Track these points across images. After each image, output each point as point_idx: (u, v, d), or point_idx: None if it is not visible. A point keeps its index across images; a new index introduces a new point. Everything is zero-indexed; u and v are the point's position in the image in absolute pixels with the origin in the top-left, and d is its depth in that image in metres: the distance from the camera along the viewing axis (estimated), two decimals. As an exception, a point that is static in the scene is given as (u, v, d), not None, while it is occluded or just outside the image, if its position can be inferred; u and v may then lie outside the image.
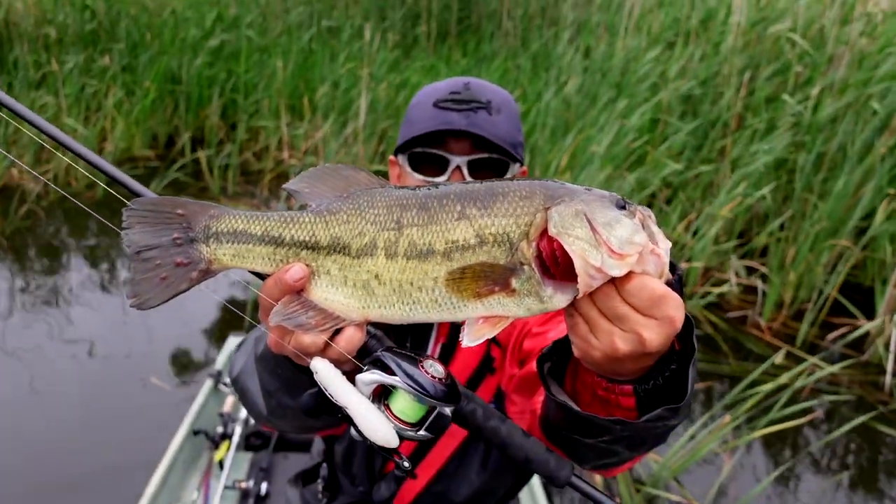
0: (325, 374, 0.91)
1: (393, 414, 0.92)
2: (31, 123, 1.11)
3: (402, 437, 0.92)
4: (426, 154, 1.53)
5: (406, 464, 0.99)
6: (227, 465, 2.81)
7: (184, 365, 4.77)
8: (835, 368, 4.10)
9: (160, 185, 7.29)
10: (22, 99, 7.41)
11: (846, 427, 3.77)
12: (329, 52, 9.32)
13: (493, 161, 1.54)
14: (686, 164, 6.20)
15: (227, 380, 3.35)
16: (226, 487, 2.73)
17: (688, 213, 5.95)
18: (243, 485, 2.78)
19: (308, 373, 0.97)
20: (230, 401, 3.16)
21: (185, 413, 3.29)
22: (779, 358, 3.53)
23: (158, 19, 9.21)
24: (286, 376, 1.09)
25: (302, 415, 1.04)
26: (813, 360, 4.18)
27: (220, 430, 3.01)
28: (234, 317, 5.34)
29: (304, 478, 1.87)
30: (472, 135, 1.50)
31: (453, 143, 1.52)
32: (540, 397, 1.28)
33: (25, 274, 5.78)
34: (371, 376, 0.92)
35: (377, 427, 0.90)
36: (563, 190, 0.87)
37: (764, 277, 5.68)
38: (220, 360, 3.70)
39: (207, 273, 0.94)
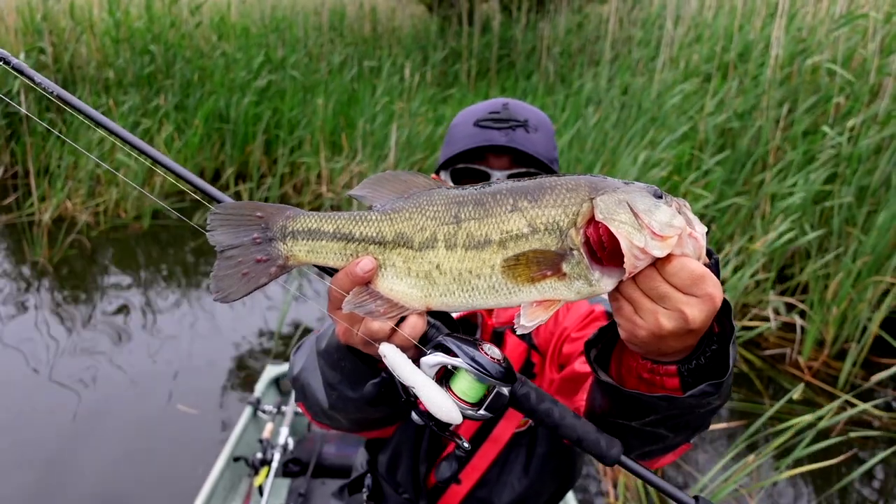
0: (393, 357, 0.98)
1: (455, 394, 0.98)
2: (130, 144, 1.20)
3: (463, 416, 0.98)
4: (468, 170, 1.63)
5: (466, 444, 1.06)
6: (266, 490, 2.84)
7: (218, 393, 4.83)
8: (867, 406, 3.86)
9: (202, 216, 7.54)
10: (81, 136, 7.85)
11: (868, 465, 3.53)
12: (370, 90, 9.59)
13: (531, 175, 1.62)
14: (718, 196, 6.05)
15: (267, 407, 3.48)
16: None
17: (724, 247, 5.80)
18: None
19: (369, 364, 1.08)
20: (269, 427, 3.22)
21: (219, 440, 3.34)
22: (797, 394, 3.37)
23: (210, 62, 9.67)
24: (349, 369, 1.18)
25: (363, 405, 1.13)
26: (846, 396, 3.95)
27: (259, 456, 3.05)
28: (264, 346, 5.43)
29: (350, 488, 1.91)
30: (512, 150, 1.59)
31: (494, 159, 1.62)
32: (582, 395, 1.33)
33: (68, 301, 6.03)
34: (435, 358, 0.98)
35: (442, 405, 0.95)
36: (604, 182, 0.94)
37: (804, 315, 5.44)
38: (259, 388, 3.76)
39: (285, 268, 1.03)
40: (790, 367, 5.19)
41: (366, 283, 1.00)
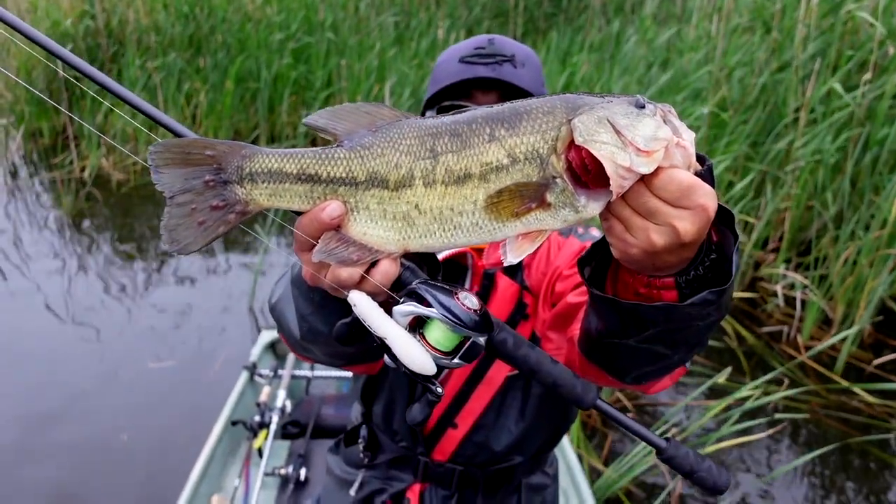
0: (364, 306, 0.93)
1: (428, 343, 0.94)
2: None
3: (437, 365, 0.94)
4: (454, 107, 1.56)
5: (439, 389, 1.01)
6: (265, 452, 2.88)
7: (216, 353, 4.93)
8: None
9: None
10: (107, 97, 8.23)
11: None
12: (406, 50, 9.49)
13: None
14: (734, 160, 5.59)
15: (263, 371, 3.48)
16: (266, 474, 2.81)
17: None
18: (283, 471, 2.88)
19: (340, 300, 1.01)
20: (266, 391, 3.24)
21: (215, 401, 3.46)
22: (722, 378, 3.11)
23: (251, 23, 9.84)
24: (318, 301, 1.13)
25: (334, 341, 1.08)
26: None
27: (257, 419, 3.07)
28: (263, 313, 5.54)
29: (346, 441, 1.92)
30: (499, 84, 1.54)
31: (480, 95, 1.57)
32: (575, 326, 1.32)
33: (86, 253, 6.42)
34: (408, 308, 0.93)
35: (416, 357, 0.92)
36: (581, 100, 0.88)
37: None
38: (255, 353, 3.78)
39: (244, 214, 0.95)
40: (787, 347, 4.79)
41: (334, 228, 0.93)
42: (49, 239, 6.65)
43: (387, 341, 0.93)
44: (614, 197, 0.84)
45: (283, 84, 9.10)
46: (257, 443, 2.97)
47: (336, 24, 10.21)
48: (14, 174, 8.45)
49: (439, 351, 0.94)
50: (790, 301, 5.06)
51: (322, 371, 3.58)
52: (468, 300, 0.94)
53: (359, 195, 0.91)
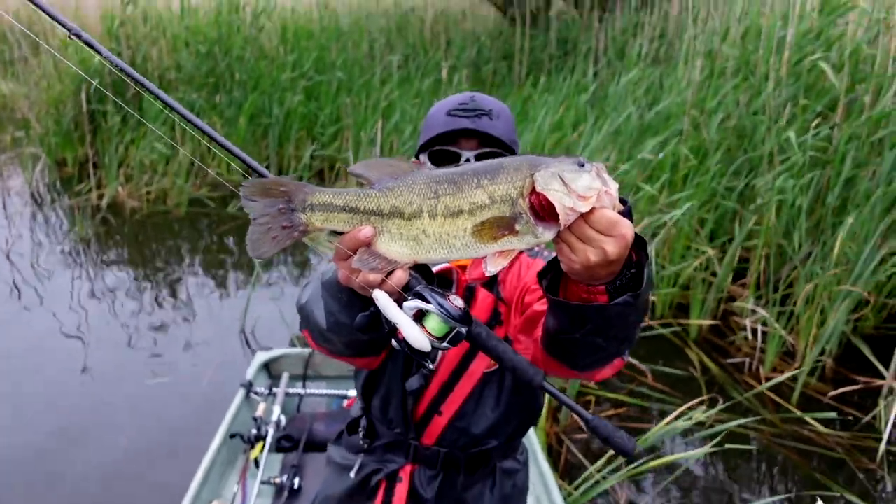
0: (383, 301, 1.31)
1: (426, 330, 1.31)
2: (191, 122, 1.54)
3: (431, 346, 1.32)
4: (443, 151, 1.95)
5: (430, 365, 1.39)
6: (262, 462, 3.15)
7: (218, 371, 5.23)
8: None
9: (236, 205, 8.27)
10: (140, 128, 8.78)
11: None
12: (410, 89, 9.95)
13: (495, 155, 1.95)
14: (709, 196, 5.84)
15: (259, 389, 3.77)
16: (262, 483, 3.07)
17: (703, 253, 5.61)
18: (277, 480, 3.14)
19: (361, 298, 1.41)
20: (262, 406, 3.49)
21: (212, 417, 3.75)
22: (699, 413, 3.34)
23: (265, 62, 10.42)
24: (345, 300, 1.50)
25: (354, 330, 1.46)
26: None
27: (254, 432, 3.33)
28: (253, 333, 5.86)
29: (348, 430, 2.24)
30: (479, 134, 1.92)
31: (464, 142, 1.94)
32: (539, 329, 1.68)
33: (93, 276, 6.83)
34: (414, 303, 1.32)
35: (417, 337, 1.28)
36: (540, 160, 1.24)
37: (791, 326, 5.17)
38: (251, 372, 3.99)
39: (304, 233, 1.32)
40: (749, 378, 4.96)
41: (366, 244, 1.28)
42: (63, 261, 7.08)
43: (397, 325, 1.29)
44: (562, 228, 1.17)
45: (293, 120, 9.59)
46: (254, 454, 3.22)
47: (346, 63, 10.74)
48: (38, 201, 9.00)
49: (434, 336, 1.31)
50: (758, 335, 5.23)
51: (313, 389, 3.86)
52: (456, 301, 1.33)
53: (384, 222, 1.27)
